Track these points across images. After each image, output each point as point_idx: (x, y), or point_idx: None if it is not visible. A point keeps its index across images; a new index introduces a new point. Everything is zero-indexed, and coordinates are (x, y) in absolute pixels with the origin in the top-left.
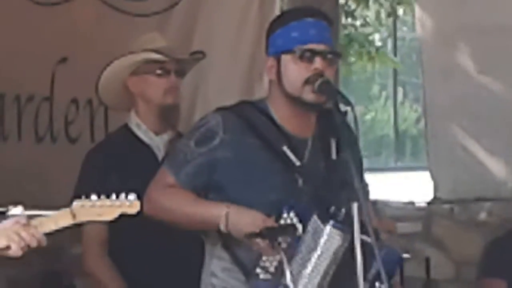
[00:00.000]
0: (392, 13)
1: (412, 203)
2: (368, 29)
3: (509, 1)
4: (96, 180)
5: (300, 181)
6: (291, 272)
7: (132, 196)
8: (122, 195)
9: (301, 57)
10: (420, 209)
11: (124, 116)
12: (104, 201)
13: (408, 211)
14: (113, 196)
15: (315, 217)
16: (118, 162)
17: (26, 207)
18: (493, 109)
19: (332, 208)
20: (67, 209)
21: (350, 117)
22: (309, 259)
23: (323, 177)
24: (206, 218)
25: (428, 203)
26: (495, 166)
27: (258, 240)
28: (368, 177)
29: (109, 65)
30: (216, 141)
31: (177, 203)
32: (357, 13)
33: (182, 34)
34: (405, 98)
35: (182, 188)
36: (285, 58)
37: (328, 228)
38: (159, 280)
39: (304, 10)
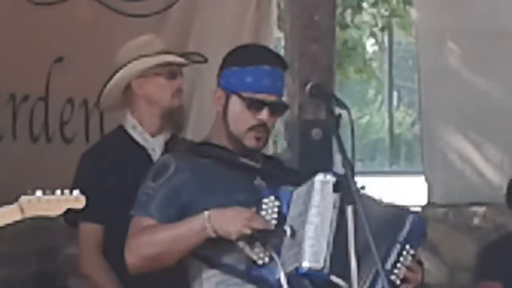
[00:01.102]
0: (387, 27)
1: (406, 207)
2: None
3: (505, 6)
4: (91, 181)
5: (260, 182)
6: (284, 270)
7: (77, 192)
8: (67, 191)
9: (249, 106)
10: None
11: (119, 116)
12: (51, 197)
13: None
14: (58, 192)
15: (294, 190)
16: (113, 164)
17: None
18: (489, 114)
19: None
20: (16, 204)
21: (344, 121)
22: (308, 210)
23: (281, 175)
24: (191, 231)
25: (422, 207)
26: (489, 171)
27: (245, 247)
28: (363, 180)
29: (118, 71)
30: (171, 169)
31: (156, 233)
32: (352, 24)
33: (178, 35)
34: (400, 102)
35: (155, 221)
36: (235, 99)
37: (319, 175)
38: (155, 280)
39: (263, 55)
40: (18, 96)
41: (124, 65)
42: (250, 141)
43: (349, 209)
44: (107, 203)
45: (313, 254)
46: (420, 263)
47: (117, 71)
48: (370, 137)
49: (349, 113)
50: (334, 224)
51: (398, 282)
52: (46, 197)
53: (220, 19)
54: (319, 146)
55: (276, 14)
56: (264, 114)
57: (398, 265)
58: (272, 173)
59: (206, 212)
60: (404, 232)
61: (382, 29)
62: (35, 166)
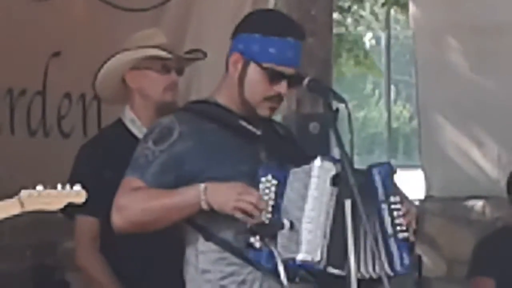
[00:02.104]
0: (386, 13)
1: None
2: (360, 28)
3: (503, 1)
4: (89, 174)
5: (263, 152)
6: (279, 254)
7: (77, 187)
8: (68, 186)
9: (270, 76)
10: None
11: (117, 110)
12: (51, 191)
13: None
14: (59, 187)
15: (292, 169)
16: (111, 157)
17: None
18: (486, 107)
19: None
20: (15, 198)
21: (342, 114)
22: (305, 198)
23: (282, 147)
24: (184, 202)
25: (421, 201)
26: (487, 165)
27: (241, 216)
28: None
29: (110, 59)
30: (175, 135)
31: (150, 199)
32: (352, 10)
33: (175, 29)
34: (397, 96)
35: (150, 187)
36: (254, 68)
37: (317, 160)
38: (151, 274)
39: (288, 27)
40: (15, 91)
41: (111, 57)
42: (263, 111)
43: (348, 203)
44: (104, 197)
45: (309, 245)
46: (405, 197)
47: (104, 63)
48: (368, 131)
49: (347, 106)
50: (331, 214)
51: (407, 235)
52: (47, 191)
53: (218, 13)
54: (316, 140)
55: (272, 7)
56: (282, 87)
57: (396, 221)
58: (274, 142)
59: (202, 185)
60: (380, 189)
61: (383, 5)
62: (33, 161)
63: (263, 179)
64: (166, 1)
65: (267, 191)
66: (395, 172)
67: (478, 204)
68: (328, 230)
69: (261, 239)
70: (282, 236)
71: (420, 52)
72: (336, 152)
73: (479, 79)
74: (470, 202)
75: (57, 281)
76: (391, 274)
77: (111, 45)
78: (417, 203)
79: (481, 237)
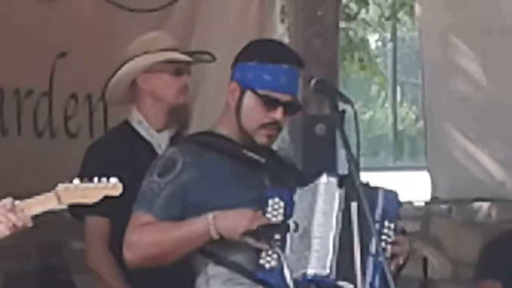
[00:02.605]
0: (392, 16)
1: (410, 202)
2: (367, 31)
3: (510, 2)
4: (97, 174)
5: (267, 179)
6: (289, 268)
7: (114, 179)
8: (104, 179)
9: (265, 103)
10: (418, 208)
11: (123, 111)
12: (88, 184)
13: (406, 210)
14: (95, 179)
15: (299, 190)
16: (118, 158)
17: None
18: (493, 110)
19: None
20: (52, 192)
21: (348, 116)
22: (313, 214)
23: (287, 175)
24: (194, 233)
25: (426, 203)
26: (494, 167)
27: (251, 241)
28: (366, 176)
29: (126, 63)
30: (179, 166)
31: (159, 233)
32: (358, 17)
33: (181, 30)
34: (403, 98)
35: (158, 220)
36: (250, 95)
37: (323, 177)
38: (161, 275)
39: (283, 54)
40: (22, 92)
41: (129, 60)
42: (261, 138)
43: (354, 206)
44: (112, 197)
45: (318, 260)
46: (403, 232)
47: (121, 67)
48: (374, 132)
49: (353, 108)
50: (340, 227)
51: (385, 260)
52: (83, 184)
53: (224, 14)
54: (323, 142)
55: (279, 10)
56: (278, 113)
57: (382, 244)
58: (277, 169)
59: (210, 214)
60: (379, 209)
61: (388, 19)
62: (40, 161)
63: (270, 201)
64: (172, 2)
65: (275, 213)
66: (400, 205)
67: (484, 206)
68: (337, 243)
69: (268, 242)
70: (292, 253)
71: (426, 54)
72: (342, 154)
73: (485, 81)
74: (476, 204)
75: (63, 282)
76: None
77: (117, 46)
78: (422, 204)
79: (489, 240)
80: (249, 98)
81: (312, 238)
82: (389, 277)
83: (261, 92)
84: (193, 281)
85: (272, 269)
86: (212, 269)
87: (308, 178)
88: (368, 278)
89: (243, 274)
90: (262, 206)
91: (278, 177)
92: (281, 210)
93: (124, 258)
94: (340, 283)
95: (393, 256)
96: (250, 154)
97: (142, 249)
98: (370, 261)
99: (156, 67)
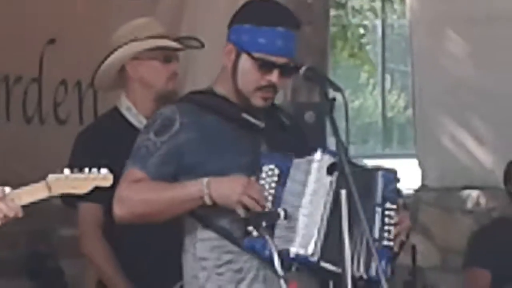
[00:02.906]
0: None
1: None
2: (358, 18)
3: None
4: (87, 161)
5: (264, 144)
6: (276, 249)
7: (104, 170)
8: (95, 169)
9: (260, 67)
10: (407, 196)
11: (113, 98)
12: (78, 174)
13: None
14: (86, 170)
15: (295, 160)
16: (108, 145)
17: (14, 188)
18: (481, 97)
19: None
20: (43, 182)
21: (337, 103)
22: (304, 190)
23: (284, 139)
24: (187, 196)
25: (415, 191)
26: (483, 155)
27: (242, 211)
28: None
29: (115, 51)
30: (176, 127)
31: (151, 191)
32: (348, 5)
33: (170, 17)
34: (393, 85)
35: (151, 178)
36: (245, 58)
37: (318, 153)
38: (150, 261)
39: (278, 17)
40: (11, 78)
41: (119, 47)
42: (257, 101)
43: (343, 193)
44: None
45: (303, 239)
46: (404, 207)
47: (110, 54)
48: (363, 120)
49: (343, 95)
50: (328, 209)
51: (391, 244)
52: (74, 175)
53: (213, 1)
54: (312, 129)
55: None
56: (274, 76)
57: (386, 227)
58: (276, 134)
59: (205, 179)
60: (379, 191)
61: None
62: (29, 147)
63: (265, 167)
64: None
65: (268, 179)
66: (398, 180)
67: (473, 194)
68: (324, 225)
69: (256, 229)
70: (279, 227)
71: (416, 42)
72: (332, 141)
73: (474, 69)
74: (465, 192)
75: (51, 268)
76: (365, 277)
77: (107, 33)
78: (411, 192)
79: (477, 228)
80: (244, 61)
81: (299, 216)
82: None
83: (256, 55)
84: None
85: (258, 237)
86: (201, 232)
87: (308, 148)
88: (373, 266)
89: (230, 239)
90: (256, 172)
91: (277, 143)
92: (275, 178)
93: (113, 213)
94: (323, 264)
95: (396, 235)
96: (250, 118)
97: (133, 206)
98: (374, 248)
99: (146, 54)
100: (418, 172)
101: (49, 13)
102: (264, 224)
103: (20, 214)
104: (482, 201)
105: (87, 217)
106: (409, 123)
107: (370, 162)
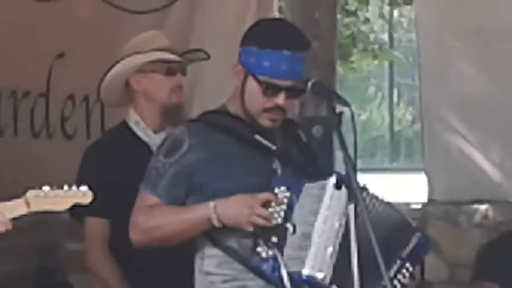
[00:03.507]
0: (394, 5)
1: (407, 204)
2: (366, 29)
3: (507, 4)
4: (95, 175)
5: (278, 167)
6: (285, 267)
7: (84, 187)
8: (74, 187)
9: (265, 90)
10: (415, 210)
11: (120, 112)
12: (58, 191)
13: (403, 212)
14: (65, 187)
15: (307, 184)
16: (116, 159)
17: None
18: (490, 111)
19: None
20: (22, 199)
21: (345, 117)
22: (317, 214)
23: (298, 160)
24: (196, 220)
25: (423, 205)
26: (491, 168)
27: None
28: (363, 177)
29: (116, 64)
30: (185, 147)
31: (163, 217)
32: (359, 13)
33: (179, 31)
34: (400, 99)
35: (163, 201)
36: (251, 80)
37: (333, 178)
38: (161, 276)
39: (284, 39)
40: (19, 92)
41: (121, 60)
42: (264, 122)
43: (351, 207)
44: (111, 198)
45: (315, 262)
46: (412, 277)
47: (112, 67)
48: (370, 134)
49: (351, 110)
50: (341, 232)
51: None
52: (53, 191)
53: (222, 15)
54: (320, 144)
55: (277, 10)
56: (280, 99)
57: (395, 282)
58: (290, 155)
59: (212, 204)
60: (408, 249)
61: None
62: (37, 162)
63: (276, 189)
64: (170, 4)
65: (279, 201)
66: (427, 252)
67: (481, 208)
68: (336, 248)
69: (265, 243)
70: (290, 246)
71: (424, 55)
72: (339, 155)
73: (482, 83)
74: (473, 206)
75: (59, 283)
76: None
77: (115, 47)
78: (419, 206)
79: (486, 242)
80: (251, 83)
81: (312, 239)
82: None
83: (261, 78)
84: (187, 279)
85: (267, 258)
86: (209, 249)
87: (323, 169)
88: None
89: (237, 259)
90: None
91: (290, 164)
92: (285, 200)
93: (130, 237)
94: None
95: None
96: (262, 140)
97: (147, 231)
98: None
99: (148, 67)
100: (425, 186)
101: (58, 27)
102: (273, 239)
103: (10, 227)
104: (491, 215)
105: (94, 232)
106: (416, 137)
107: (377, 176)
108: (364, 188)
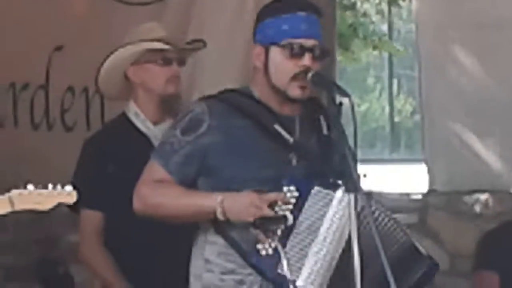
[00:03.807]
0: (393, 2)
1: (407, 194)
2: (367, 20)
3: None
4: (93, 168)
5: (294, 159)
6: (287, 260)
7: (69, 187)
8: (59, 186)
9: (291, 52)
10: (415, 200)
11: (120, 104)
12: (42, 191)
13: (403, 202)
14: (50, 187)
15: (316, 188)
16: (115, 151)
17: None
18: (489, 101)
19: (331, 180)
20: (5, 197)
21: (345, 108)
22: (320, 223)
23: (317, 153)
24: (201, 208)
25: (424, 195)
26: (491, 159)
27: (256, 231)
28: (363, 168)
29: (109, 56)
30: (203, 128)
31: (169, 197)
32: (357, 7)
33: (178, 23)
34: (400, 90)
35: (172, 177)
36: (274, 50)
37: (339, 192)
38: (155, 267)
39: (296, 3)
40: (18, 85)
41: (114, 51)
42: (294, 91)
43: (351, 197)
44: (108, 191)
45: (310, 274)
46: None
47: (106, 59)
48: (370, 124)
49: (350, 100)
50: (342, 246)
51: None
52: (37, 191)
53: (220, 5)
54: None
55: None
56: (306, 59)
57: None
58: (305, 149)
59: (219, 197)
60: (417, 276)
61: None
62: (36, 154)
63: (285, 188)
64: None
65: (286, 200)
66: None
67: (482, 198)
68: (333, 265)
69: (263, 232)
70: (290, 250)
71: (423, 46)
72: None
73: (482, 73)
74: (474, 196)
75: (61, 275)
76: None
77: (114, 39)
78: (420, 196)
79: (486, 232)
80: (274, 54)
81: (310, 249)
82: None
83: (284, 42)
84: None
85: (266, 257)
86: (211, 235)
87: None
88: None
89: (237, 251)
90: (277, 188)
91: (306, 158)
92: (293, 200)
93: (133, 206)
94: None
95: None
96: (281, 130)
97: (150, 207)
98: None
99: (144, 58)
100: (425, 177)
101: (57, 20)
102: (271, 227)
103: None
104: (491, 204)
105: (88, 224)
106: (416, 128)
107: (377, 167)
108: (369, 194)
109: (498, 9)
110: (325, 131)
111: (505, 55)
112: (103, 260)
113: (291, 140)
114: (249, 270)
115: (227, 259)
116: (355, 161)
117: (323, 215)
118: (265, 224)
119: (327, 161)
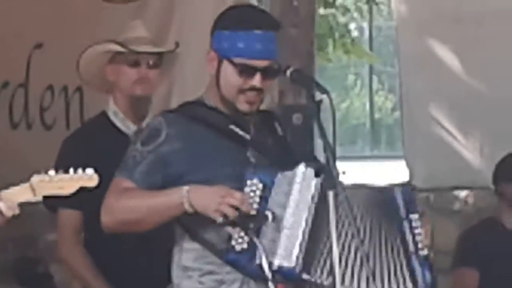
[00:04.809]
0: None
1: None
2: (346, 18)
3: None
4: (73, 167)
5: (252, 156)
6: (263, 247)
7: (90, 170)
8: (80, 170)
9: (241, 72)
10: None
11: (99, 102)
12: (63, 175)
13: None
14: (71, 171)
15: (279, 175)
16: (94, 150)
17: None
18: (469, 98)
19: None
20: (27, 184)
21: (325, 105)
22: (287, 203)
23: (273, 152)
24: (168, 203)
25: None
26: (471, 155)
27: (222, 221)
28: (344, 165)
29: (84, 52)
30: (162, 137)
31: (136, 199)
32: (337, 3)
33: (159, 22)
34: (380, 87)
35: (139, 186)
36: (226, 64)
37: (301, 167)
38: (136, 268)
39: (254, 19)
40: None
41: (86, 49)
42: (242, 105)
43: (331, 194)
44: (86, 189)
45: (286, 251)
46: (423, 214)
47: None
48: (351, 121)
49: (329, 97)
50: (312, 219)
51: (428, 253)
52: (59, 176)
53: (201, 5)
54: (299, 132)
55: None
56: (256, 80)
57: (417, 238)
58: (264, 145)
59: (186, 187)
60: (401, 207)
61: (367, 1)
62: (15, 153)
63: (249, 182)
64: None
65: (252, 194)
66: (415, 190)
67: (462, 194)
68: (306, 237)
69: (244, 231)
70: (263, 237)
71: (403, 43)
72: (319, 143)
73: (461, 70)
74: (453, 193)
75: (40, 274)
76: None
77: (94, 37)
78: None
79: (466, 228)
80: (226, 67)
81: (282, 228)
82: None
83: (236, 60)
84: (162, 271)
85: (242, 251)
86: (187, 243)
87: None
88: (419, 277)
89: (214, 252)
90: (241, 184)
91: (265, 154)
92: (258, 192)
93: (101, 223)
94: (305, 276)
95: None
96: (237, 130)
97: (118, 213)
98: (414, 260)
99: (117, 59)
100: (406, 173)
101: (36, 17)
102: (251, 226)
103: (17, 211)
104: (471, 201)
105: (66, 223)
106: (396, 125)
107: (358, 164)
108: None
109: (478, 5)
110: (280, 132)
111: (485, 50)
112: (82, 259)
113: (247, 136)
114: (228, 269)
115: (205, 261)
116: (334, 158)
117: (289, 195)
118: (246, 222)
119: (286, 156)
